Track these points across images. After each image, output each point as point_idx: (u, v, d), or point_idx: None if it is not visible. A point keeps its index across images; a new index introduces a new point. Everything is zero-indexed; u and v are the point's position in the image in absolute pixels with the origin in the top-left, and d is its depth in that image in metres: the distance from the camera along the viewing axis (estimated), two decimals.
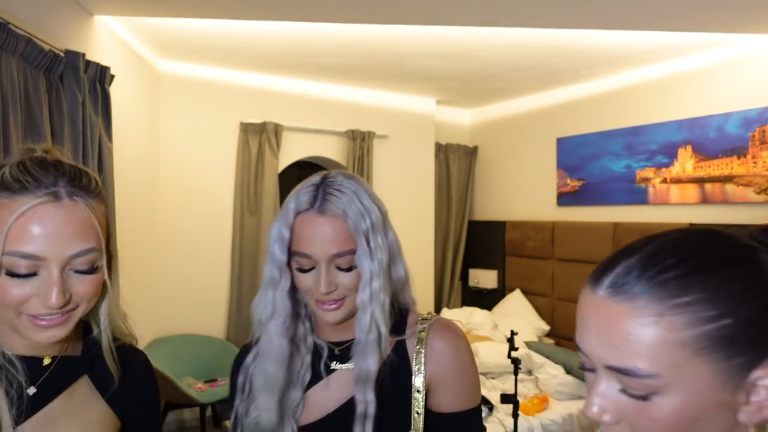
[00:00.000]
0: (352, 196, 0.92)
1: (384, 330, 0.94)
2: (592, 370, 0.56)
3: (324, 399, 0.98)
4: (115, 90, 2.78)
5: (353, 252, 0.91)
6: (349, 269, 0.92)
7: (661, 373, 0.50)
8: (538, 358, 3.80)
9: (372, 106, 4.85)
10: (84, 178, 0.76)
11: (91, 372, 0.85)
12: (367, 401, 0.91)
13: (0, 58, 1.91)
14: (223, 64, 4.10)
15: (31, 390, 0.77)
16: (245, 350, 1.08)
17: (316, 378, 0.99)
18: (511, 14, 2.90)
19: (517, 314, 4.60)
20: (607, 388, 0.55)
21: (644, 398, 0.52)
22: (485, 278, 5.24)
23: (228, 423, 3.82)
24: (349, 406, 0.95)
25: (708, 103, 3.70)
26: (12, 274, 0.70)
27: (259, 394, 0.96)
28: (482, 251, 5.37)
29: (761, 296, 0.51)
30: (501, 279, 5.14)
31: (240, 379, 1.02)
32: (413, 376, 0.95)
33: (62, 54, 2.31)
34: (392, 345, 0.98)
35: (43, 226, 0.70)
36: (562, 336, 4.46)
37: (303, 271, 0.93)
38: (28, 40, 2.05)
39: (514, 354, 2.92)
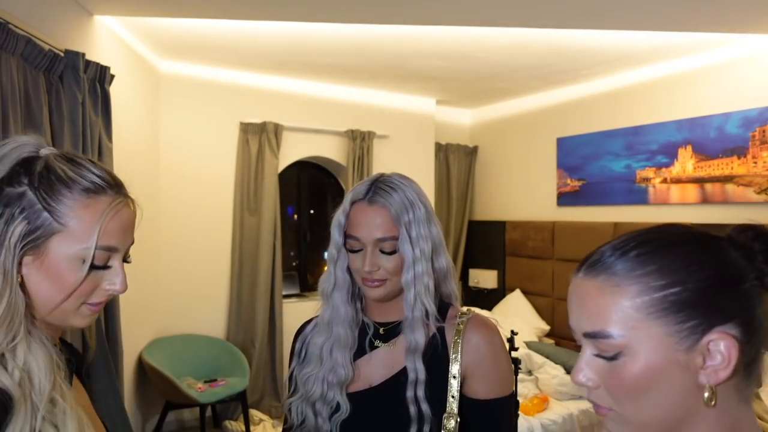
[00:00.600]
0: (399, 191, 1.08)
1: (429, 308, 1.07)
2: (580, 346, 0.65)
3: (366, 372, 1.11)
4: (115, 90, 2.78)
5: (395, 238, 1.06)
6: (391, 253, 1.06)
7: (623, 334, 0.59)
8: (538, 358, 3.80)
9: (372, 106, 4.85)
10: (119, 180, 0.84)
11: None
12: (417, 369, 1.04)
13: (0, 58, 1.91)
14: (223, 64, 4.10)
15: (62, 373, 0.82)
16: (307, 322, 1.22)
17: (360, 352, 1.12)
18: (511, 14, 2.89)
19: (517, 314, 4.59)
20: (587, 356, 0.63)
21: (613, 358, 0.60)
22: (485, 278, 5.24)
23: (228, 423, 3.81)
24: (392, 381, 1.07)
25: (708, 103, 3.70)
26: (96, 267, 0.76)
27: (336, 354, 1.10)
28: (482, 251, 5.37)
29: (707, 270, 0.59)
30: (501, 279, 5.14)
31: (298, 346, 1.18)
32: (450, 363, 1.06)
33: (62, 54, 2.30)
34: (433, 330, 1.09)
35: (122, 224, 0.79)
36: (562, 336, 4.46)
37: (353, 251, 1.09)
38: (28, 40, 2.05)
39: (514, 354, 2.92)
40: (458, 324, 1.09)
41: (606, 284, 0.61)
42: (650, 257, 0.60)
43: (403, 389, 1.04)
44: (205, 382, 3.68)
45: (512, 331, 2.99)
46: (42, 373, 0.72)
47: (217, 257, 4.22)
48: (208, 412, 3.85)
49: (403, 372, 1.06)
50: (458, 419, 1.04)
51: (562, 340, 4.43)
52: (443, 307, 1.12)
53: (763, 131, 3.41)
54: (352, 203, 1.10)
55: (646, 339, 0.59)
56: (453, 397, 1.05)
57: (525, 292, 4.82)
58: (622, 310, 0.60)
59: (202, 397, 3.45)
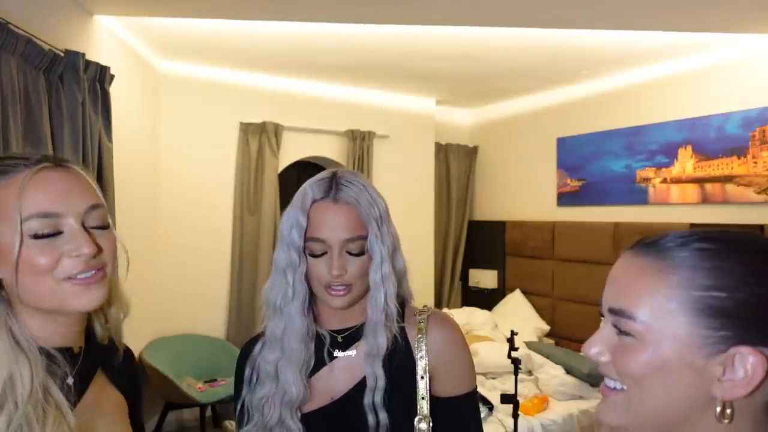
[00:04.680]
0: (362, 187, 1.01)
1: (393, 311, 1.01)
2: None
3: (330, 385, 1.03)
4: (115, 90, 2.78)
5: (363, 238, 0.99)
6: (359, 254, 0.99)
7: (646, 321, 0.57)
8: (538, 358, 3.80)
9: (372, 106, 4.85)
10: (61, 156, 0.82)
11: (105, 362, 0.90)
12: (376, 375, 0.98)
13: (0, 58, 1.91)
14: (223, 64, 4.10)
15: (70, 380, 0.79)
16: (251, 343, 1.11)
17: (319, 365, 1.04)
18: (511, 14, 2.89)
19: (517, 314, 4.59)
20: (607, 330, 0.62)
21: (628, 335, 0.59)
22: (485, 278, 5.23)
23: (228, 423, 3.77)
24: (355, 390, 1.01)
25: (708, 103, 3.70)
26: (37, 236, 0.74)
27: (285, 372, 1.01)
28: (482, 251, 5.37)
29: (765, 286, 0.54)
30: (501, 279, 5.14)
31: (247, 372, 1.07)
32: (416, 363, 1.02)
33: (62, 54, 2.30)
34: (395, 331, 1.04)
35: (52, 187, 0.76)
36: (562, 336, 4.46)
37: (315, 256, 0.99)
38: (28, 40, 2.05)
39: (514, 354, 2.92)
40: (419, 322, 1.05)
41: (650, 266, 0.59)
42: (709, 255, 0.57)
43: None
44: (205, 382, 3.68)
45: (512, 331, 2.99)
46: (24, 380, 0.71)
47: (217, 257, 4.22)
48: (208, 412, 3.85)
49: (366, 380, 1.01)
50: (431, 421, 1.00)
51: (562, 340, 4.43)
52: (400, 306, 1.08)
53: (763, 131, 3.41)
54: (313, 202, 1.00)
55: (667, 332, 0.56)
56: (422, 398, 1.01)
57: (525, 292, 4.82)
58: (655, 297, 0.57)
59: (202, 397, 3.45)
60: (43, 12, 2.36)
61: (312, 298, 1.04)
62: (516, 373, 2.91)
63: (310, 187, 1.02)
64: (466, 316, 4.54)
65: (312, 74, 4.34)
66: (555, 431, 3.30)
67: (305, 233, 0.99)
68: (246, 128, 4.26)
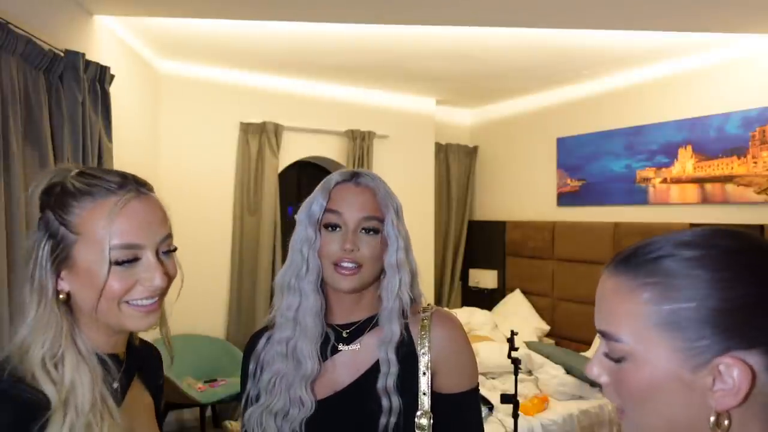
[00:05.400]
0: (381, 181, 1.07)
1: (407, 300, 1.04)
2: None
3: (332, 378, 1.04)
4: (115, 90, 2.78)
5: (380, 220, 1.03)
6: (374, 233, 1.02)
7: (628, 340, 0.57)
8: (538, 358, 3.80)
9: (372, 106, 4.85)
10: (140, 179, 0.87)
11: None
12: (390, 360, 1.00)
13: (0, 58, 1.91)
14: (223, 64, 4.10)
15: (116, 384, 0.84)
16: (256, 337, 1.12)
17: (322, 358, 1.05)
18: (511, 14, 2.89)
19: (517, 314, 4.59)
20: (599, 353, 0.62)
21: (618, 361, 0.58)
22: (485, 278, 5.23)
23: (228, 423, 3.77)
24: (361, 381, 1.03)
25: (708, 103, 3.70)
26: (118, 263, 0.78)
27: (301, 347, 1.02)
28: (482, 251, 5.37)
29: (737, 289, 0.53)
30: (501, 279, 5.14)
31: (251, 367, 1.08)
32: (419, 359, 1.03)
33: (62, 54, 2.30)
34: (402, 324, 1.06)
35: (137, 219, 0.81)
36: (562, 336, 4.46)
37: (329, 227, 1.02)
38: (28, 40, 2.05)
39: (514, 354, 2.92)
40: (422, 319, 1.06)
41: (624, 286, 0.58)
42: (676, 266, 0.55)
43: (371, 389, 1.00)
44: (205, 382, 3.68)
45: (512, 331, 2.99)
46: (85, 389, 0.76)
47: (217, 257, 4.22)
48: (208, 412, 3.85)
49: (371, 371, 1.03)
50: (431, 417, 1.01)
51: (562, 340, 4.43)
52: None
53: (763, 131, 3.41)
54: (336, 184, 1.05)
55: (652, 350, 0.55)
56: (424, 393, 1.02)
57: (525, 292, 4.82)
58: (632, 316, 0.57)
59: (202, 397, 3.46)
60: (43, 12, 2.36)
61: (322, 286, 1.05)
62: (516, 373, 2.91)
63: (332, 176, 1.07)
64: (466, 316, 4.54)
65: (312, 74, 4.34)
66: (555, 431, 3.30)
67: (324, 210, 1.03)
68: (246, 128, 4.26)
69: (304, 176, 4.88)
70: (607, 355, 0.60)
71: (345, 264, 1.01)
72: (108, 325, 0.82)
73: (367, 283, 1.04)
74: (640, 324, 0.56)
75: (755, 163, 3.45)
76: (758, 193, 3.44)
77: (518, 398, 2.89)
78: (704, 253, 0.55)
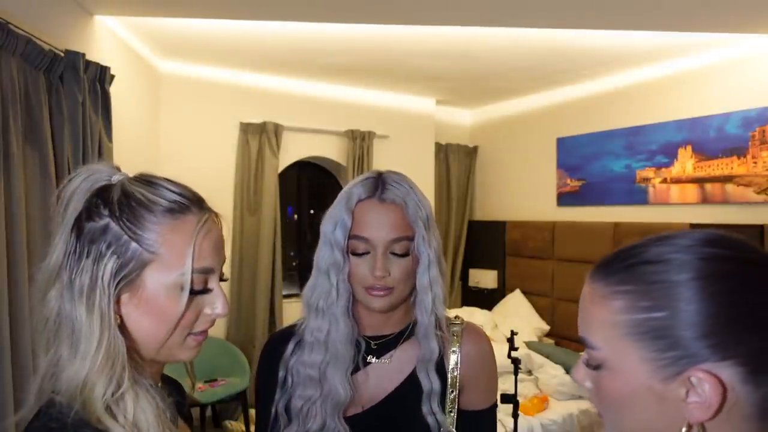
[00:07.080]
0: (408, 189, 0.98)
1: (443, 315, 1.01)
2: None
3: (362, 393, 1.01)
4: (115, 90, 2.78)
5: (410, 239, 0.96)
6: (404, 255, 0.96)
7: (601, 348, 0.57)
8: (538, 358, 3.80)
9: (372, 106, 4.85)
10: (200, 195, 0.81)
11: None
12: (431, 380, 0.97)
13: (0, 58, 1.91)
14: (223, 64, 4.10)
15: (169, 415, 0.78)
16: (279, 341, 1.06)
17: (354, 370, 1.02)
18: (511, 14, 2.89)
19: (517, 314, 4.59)
20: (582, 358, 0.62)
21: (595, 368, 0.58)
22: (485, 278, 5.23)
23: (228, 423, 3.75)
24: (390, 399, 1.00)
25: (708, 103, 3.70)
26: (194, 292, 0.70)
27: (333, 374, 0.98)
28: (482, 251, 5.37)
29: (713, 300, 0.51)
30: (501, 279, 5.14)
31: (281, 374, 1.02)
32: (447, 375, 1.00)
33: (62, 54, 2.30)
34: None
35: (213, 241, 0.73)
36: (562, 336, 4.45)
37: (357, 254, 0.96)
38: (28, 40, 2.05)
39: (514, 354, 2.92)
40: (453, 334, 1.03)
41: (598, 293, 0.58)
42: (649, 275, 0.54)
43: (404, 405, 0.97)
44: (205, 382, 3.68)
45: (512, 331, 2.99)
46: (151, 425, 0.67)
47: None
48: (208, 412, 3.85)
49: (402, 387, 1.00)
50: None
51: (562, 340, 4.43)
52: None
53: (763, 131, 3.41)
54: (358, 201, 0.97)
55: (624, 359, 0.55)
56: (450, 412, 0.99)
57: (525, 292, 4.82)
58: (605, 324, 0.56)
59: (202, 397, 3.45)
60: (43, 12, 2.36)
61: (353, 302, 1.02)
62: (516, 373, 2.91)
63: (354, 187, 0.99)
64: (466, 316, 4.43)
65: (312, 74, 4.33)
66: (555, 431, 3.30)
67: (349, 232, 0.96)
68: (246, 128, 4.26)
69: (304, 176, 4.88)
70: (587, 362, 0.60)
71: (377, 288, 0.96)
72: (158, 356, 0.73)
73: (400, 302, 1.00)
74: (613, 332, 0.56)
75: (755, 163, 3.45)
76: (758, 193, 3.44)
77: (518, 398, 2.89)
78: (679, 261, 0.54)
